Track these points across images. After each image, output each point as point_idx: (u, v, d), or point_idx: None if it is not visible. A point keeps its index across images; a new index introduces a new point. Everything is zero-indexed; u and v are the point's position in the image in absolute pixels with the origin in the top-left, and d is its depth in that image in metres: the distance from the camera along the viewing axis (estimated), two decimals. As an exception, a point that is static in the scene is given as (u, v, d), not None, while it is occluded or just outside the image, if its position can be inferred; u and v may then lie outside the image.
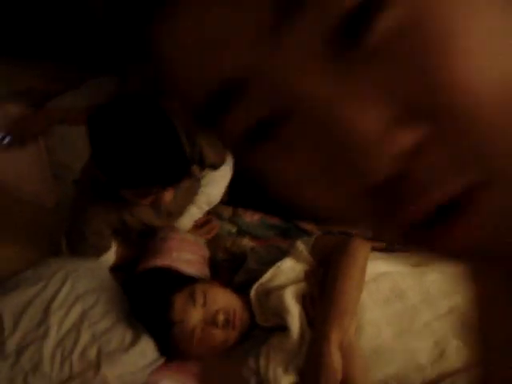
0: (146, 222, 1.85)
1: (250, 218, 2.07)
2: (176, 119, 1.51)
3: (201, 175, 1.96)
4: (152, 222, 1.87)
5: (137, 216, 1.80)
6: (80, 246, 1.77)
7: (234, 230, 2.04)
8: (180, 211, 1.93)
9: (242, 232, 2.03)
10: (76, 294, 1.63)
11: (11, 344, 1.51)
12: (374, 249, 1.63)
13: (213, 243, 1.95)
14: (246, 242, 1.96)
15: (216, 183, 1.98)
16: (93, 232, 1.73)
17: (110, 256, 1.85)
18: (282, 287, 1.56)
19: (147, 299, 1.57)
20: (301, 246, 1.64)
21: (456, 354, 1.43)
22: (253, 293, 1.60)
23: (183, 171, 1.57)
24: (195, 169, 1.88)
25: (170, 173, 1.51)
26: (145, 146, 1.43)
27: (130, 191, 1.57)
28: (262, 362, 1.49)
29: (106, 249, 1.82)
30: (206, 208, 2.00)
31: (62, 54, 2.66)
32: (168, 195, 1.59)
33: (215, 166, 1.92)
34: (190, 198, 1.95)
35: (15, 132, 2.37)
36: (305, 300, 1.53)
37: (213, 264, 1.90)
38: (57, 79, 2.63)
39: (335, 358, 1.38)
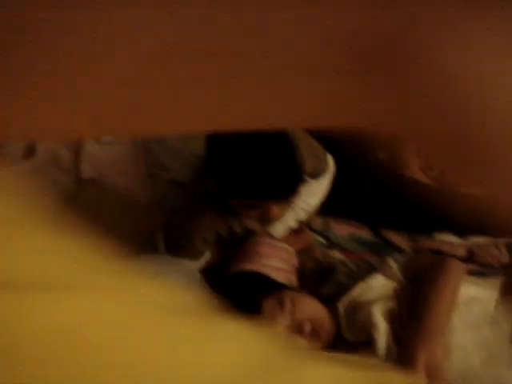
0: (250, 228, 1.87)
1: (340, 231, 2.07)
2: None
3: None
4: (254, 228, 1.89)
5: (244, 223, 1.84)
6: (181, 249, 1.80)
7: (323, 241, 2.04)
8: (278, 217, 1.93)
9: (331, 244, 2.03)
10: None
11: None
12: (465, 271, 1.59)
13: (302, 253, 1.95)
14: (336, 255, 1.95)
15: (315, 193, 1.98)
16: (199, 238, 1.77)
17: (203, 259, 1.88)
18: (371, 303, 1.55)
19: (237, 301, 1.58)
20: (392, 262, 1.62)
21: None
22: (341, 306, 1.60)
23: (294, 185, 1.59)
24: None
25: (281, 187, 1.54)
26: (261, 157, 1.47)
27: (240, 201, 1.60)
28: None
29: (203, 254, 1.85)
30: (303, 217, 2.01)
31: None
32: (276, 210, 1.62)
33: (316, 175, 1.92)
34: (288, 205, 1.94)
35: None
36: (393, 318, 1.51)
37: (300, 274, 1.91)
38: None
39: (420, 380, 1.36)
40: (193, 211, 1.77)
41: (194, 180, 1.83)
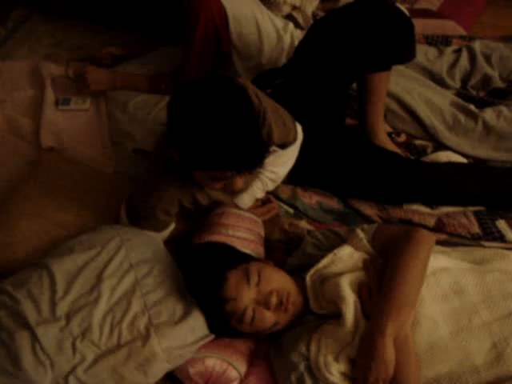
0: (215, 198, 1.82)
1: (309, 200, 2.03)
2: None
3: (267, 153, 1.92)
4: (218, 198, 1.84)
5: (207, 193, 1.78)
6: (143, 220, 1.75)
7: (291, 211, 2.00)
8: (245, 188, 1.89)
9: (299, 214, 1.99)
10: (129, 263, 1.61)
11: (62, 307, 1.50)
12: (435, 241, 1.56)
13: (270, 223, 1.92)
14: (304, 225, 1.92)
15: (283, 163, 1.94)
16: (162, 209, 1.71)
17: (168, 231, 1.84)
18: (339, 275, 1.52)
19: (201, 273, 1.54)
20: (361, 233, 1.59)
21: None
22: (308, 278, 1.56)
23: (259, 158, 1.54)
24: None
25: (246, 158, 1.49)
26: (224, 128, 1.42)
27: (203, 173, 1.55)
28: (313, 348, 1.46)
29: (167, 226, 1.80)
30: (271, 187, 1.96)
31: (134, 20, 2.69)
32: (240, 181, 1.57)
33: (284, 146, 1.88)
34: (254, 176, 1.90)
35: (80, 82, 2.39)
36: (361, 290, 1.48)
37: (267, 244, 1.87)
38: (128, 45, 2.66)
39: (389, 353, 1.35)
40: (155, 182, 1.72)
41: (157, 150, 1.77)
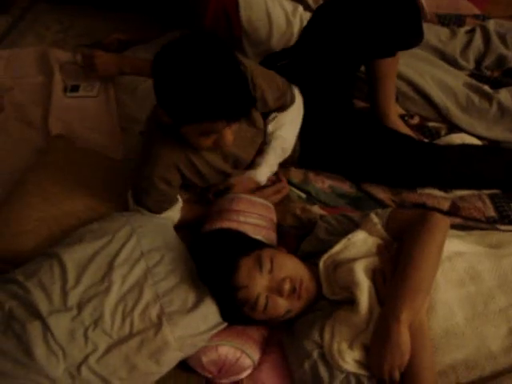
0: (214, 165, 1.81)
1: (321, 184, 2.01)
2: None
3: (268, 122, 1.92)
4: (220, 166, 1.83)
5: (205, 158, 1.76)
6: (145, 195, 1.73)
7: (303, 196, 1.97)
8: (246, 158, 1.90)
9: (311, 199, 1.96)
10: (140, 251, 1.60)
11: (74, 296, 1.50)
12: (450, 225, 1.53)
13: (281, 208, 1.89)
14: (316, 210, 1.90)
15: (288, 126, 1.93)
16: (160, 177, 1.69)
17: (176, 212, 1.82)
18: (353, 260, 1.50)
19: (213, 261, 1.53)
20: (375, 218, 1.56)
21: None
22: (321, 264, 1.55)
23: (247, 103, 1.55)
24: (257, 117, 1.85)
25: (233, 103, 1.48)
26: (208, 76, 1.43)
27: (193, 128, 1.54)
28: (327, 335, 1.44)
29: (172, 201, 1.79)
30: (281, 154, 1.95)
31: (141, 6, 2.68)
32: (230, 135, 1.57)
33: (282, 108, 1.89)
34: (254, 146, 1.91)
35: (88, 68, 2.39)
36: (375, 275, 1.47)
37: (280, 230, 1.85)
38: (136, 31, 2.64)
39: (404, 339, 1.33)
40: (148, 149, 1.71)
41: (147, 120, 1.78)
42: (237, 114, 1.54)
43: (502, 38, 2.48)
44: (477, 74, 2.44)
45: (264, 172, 1.92)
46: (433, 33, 2.50)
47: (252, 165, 1.94)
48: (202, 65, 1.43)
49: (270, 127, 1.92)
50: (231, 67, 1.48)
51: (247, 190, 1.89)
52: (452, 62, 2.46)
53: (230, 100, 1.47)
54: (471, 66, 2.48)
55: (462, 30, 2.58)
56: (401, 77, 2.27)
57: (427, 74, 2.31)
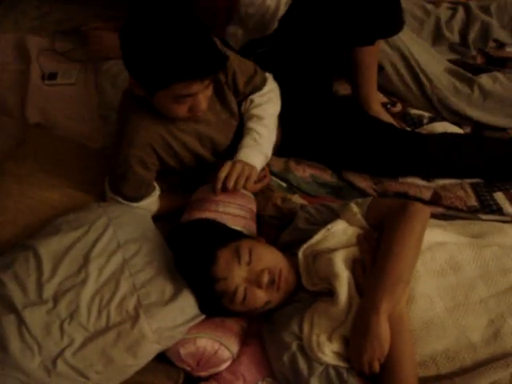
0: (190, 147, 1.78)
1: (302, 173, 1.99)
2: None
3: (244, 106, 1.91)
4: (197, 150, 1.81)
5: (180, 139, 1.74)
6: (121, 180, 1.71)
7: (283, 185, 1.95)
8: (223, 141, 1.87)
9: (292, 188, 1.95)
10: (117, 242, 1.58)
11: (49, 289, 1.47)
12: (431, 215, 1.52)
13: (262, 198, 1.87)
14: (297, 199, 1.88)
15: (265, 104, 1.90)
16: (136, 158, 1.67)
17: (154, 202, 1.80)
18: (332, 251, 1.48)
19: (190, 252, 1.51)
20: (354, 207, 1.55)
21: (512, 334, 1.35)
22: (300, 254, 1.53)
23: (217, 59, 1.57)
24: (231, 100, 1.84)
25: (204, 59, 1.50)
26: (177, 35, 1.46)
27: (166, 94, 1.54)
28: (306, 327, 1.43)
29: (149, 187, 1.77)
30: (267, 136, 1.88)
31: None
32: (204, 100, 1.59)
33: (254, 91, 1.88)
34: (230, 129, 1.89)
35: (94, 45, 2.38)
36: (355, 266, 1.45)
37: (260, 220, 1.83)
38: (115, 18, 2.59)
39: (383, 330, 1.32)
40: (122, 130, 1.69)
41: (122, 100, 1.77)
42: (208, 69, 1.54)
43: (486, 10, 2.49)
44: (460, 61, 2.43)
45: (253, 154, 1.82)
46: (418, 5, 2.50)
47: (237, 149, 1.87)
48: (169, 25, 1.47)
49: (248, 109, 1.90)
50: (198, 26, 1.50)
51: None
52: (437, 32, 2.46)
53: (200, 56, 1.49)
54: (456, 38, 2.48)
55: (445, 4, 2.58)
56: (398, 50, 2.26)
57: (412, 58, 2.30)
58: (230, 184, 1.72)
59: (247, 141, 1.82)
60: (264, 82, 1.90)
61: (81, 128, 2.24)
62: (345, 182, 2.01)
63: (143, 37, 1.48)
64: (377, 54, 2.05)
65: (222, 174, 1.73)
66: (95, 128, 2.26)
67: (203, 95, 1.58)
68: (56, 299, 1.46)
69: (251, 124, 1.85)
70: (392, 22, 1.96)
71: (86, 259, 1.53)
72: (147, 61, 1.49)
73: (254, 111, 1.87)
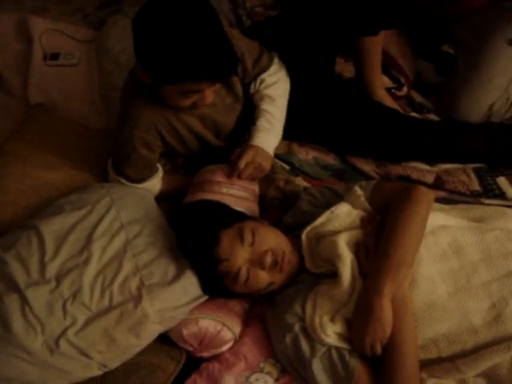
0: (193, 129, 1.77)
1: (305, 155, 1.98)
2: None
3: (253, 86, 1.89)
4: (200, 131, 1.79)
5: (184, 121, 1.73)
6: (125, 162, 1.70)
7: (286, 167, 1.95)
8: (226, 124, 1.85)
9: (295, 170, 1.94)
10: (120, 223, 1.58)
11: (52, 269, 1.47)
12: (435, 199, 1.52)
13: (265, 180, 1.86)
14: (300, 182, 1.88)
15: (275, 84, 1.88)
16: (140, 139, 1.66)
17: (157, 183, 1.80)
18: (336, 233, 1.48)
19: (194, 233, 1.51)
20: (358, 190, 1.55)
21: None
22: (304, 236, 1.53)
23: (231, 62, 1.54)
24: (236, 84, 1.82)
25: (217, 63, 1.48)
26: (192, 35, 1.42)
27: (175, 88, 1.53)
28: (309, 308, 1.43)
29: (152, 168, 1.77)
30: (279, 116, 1.87)
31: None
32: (210, 95, 1.57)
33: (262, 71, 1.86)
34: (234, 113, 1.86)
35: None
36: (358, 248, 1.45)
37: (262, 202, 1.83)
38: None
39: (386, 313, 1.32)
40: (127, 112, 1.68)
41: (127, 80, 1.76)
42: (221, 73, 1.53)
43: None
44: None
45: (269, 139, 1.82)
46: None
47: (250, 133, 1.86)
48: (185, 23, 1.42)
49: (259, 89, 1.89)
50: (215, 26, 1.47)
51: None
52: None
53: (215, 59, 1.46)
54: None
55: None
56: None
57: None
58: (245, 175, 1.74)
59: (262, 124, 1.82)
60: (271, 62, 1.88)
61: (83, 109, 2.23)
62: (348, 164, 2.00)
63: (157, 30, 1.44)
64: (381, 42, 2.03)
65: (242, 163, 1.72)
66: (96, 109, 2.24)
67: (210, 91, 1.56)
68: (59, 279, 1.46)
69: (264, 105, 1.84)
70: (394, 14, 1.95)
71: (89, 239, 1.53)
72: (159, 55, 1.46)
73: (266, 91, 1.86)
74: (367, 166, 1.97)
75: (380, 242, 1.41)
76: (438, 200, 1.73)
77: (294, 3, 2.02)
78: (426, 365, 1.38)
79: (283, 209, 1.78)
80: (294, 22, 2.00)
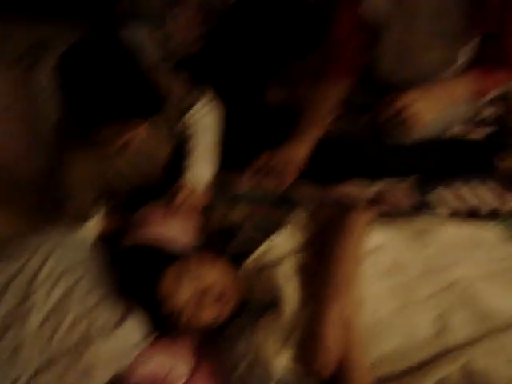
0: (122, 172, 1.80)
1: (242, 185, 1.99)
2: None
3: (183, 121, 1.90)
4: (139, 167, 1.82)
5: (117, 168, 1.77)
6: (64, 203, 1.73)
7: (227, 196, 1.95)
8: (163, 157, 1.88)
9: (235, 199, 1.94)
10: (62, 268, 1.56)
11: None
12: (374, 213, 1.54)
13: (205, 211, 1.87)
14: (241, 210, 1.87)
15: (205, 115, 1.91)
16: (75, 186, 1.68)
17: (96, 224, 1.79)
18: (276, 262, 1.49)
19: (135, 275, 1.50)
20: (299, 215, 1.56)
21: (460, 327, 1.37)
22: (244, 269, 1.54)
23: (153, 102, 1.59)
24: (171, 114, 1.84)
25: (143, 101, 1.53)
26: (116, 77, 1.46)
27: (105, 130, 1.54)
28: (254, 342, 1.42)
29: (90, 213, 1.78)
30: (211, 148, 1.90)
31: (74, 10, 2.60)
32: (142, 132, 1.61)
33: (191, 104, 1.88)
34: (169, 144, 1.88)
35: None
36: (303, 272, 1.46)
37: (205, 234, 1.83)
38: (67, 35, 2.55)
39: (331, 340, 1.32)
40: (60, 162, 1.70)
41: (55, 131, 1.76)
42: (148, 110, 1.57)
43: None
44: None
45: (199, 173, 1.85)
46: None
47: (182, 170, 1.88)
48: (106, 68, 1.46)
49: (187, 124, 1.90)
50: (134, 69, 1.52)
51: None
52: None
53: (139, 98, 1.50)
54: None
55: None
56: None
57: None
58: (181, 213, 1.78)
59: (193, 159, 1.84)
60: (199, 96, 1.90)
61: (9, 162, 2.19)
62: (287, 191, 2.01)
63: (82, 74, 1.47)
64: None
65: (176, 203, 1.76)
66: (26, 161, 2.20)
67: (141, 129, 1.61)
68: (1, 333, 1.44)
69: (194, 140, 1.86)
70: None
71: (30, 288, 1.51)
72: (81, 99, 1.48)
73: (195, 126, 1.87)
74: (306, 191, 1.98)
75: (320, 268, 1.42)
76: (379, 215, 1.74)
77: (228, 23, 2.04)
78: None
79: (227, 239, 1.78)
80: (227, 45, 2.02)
